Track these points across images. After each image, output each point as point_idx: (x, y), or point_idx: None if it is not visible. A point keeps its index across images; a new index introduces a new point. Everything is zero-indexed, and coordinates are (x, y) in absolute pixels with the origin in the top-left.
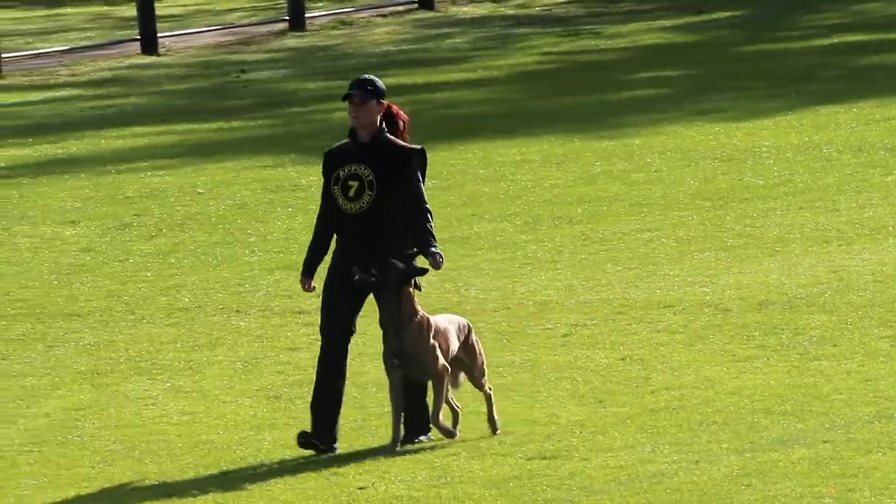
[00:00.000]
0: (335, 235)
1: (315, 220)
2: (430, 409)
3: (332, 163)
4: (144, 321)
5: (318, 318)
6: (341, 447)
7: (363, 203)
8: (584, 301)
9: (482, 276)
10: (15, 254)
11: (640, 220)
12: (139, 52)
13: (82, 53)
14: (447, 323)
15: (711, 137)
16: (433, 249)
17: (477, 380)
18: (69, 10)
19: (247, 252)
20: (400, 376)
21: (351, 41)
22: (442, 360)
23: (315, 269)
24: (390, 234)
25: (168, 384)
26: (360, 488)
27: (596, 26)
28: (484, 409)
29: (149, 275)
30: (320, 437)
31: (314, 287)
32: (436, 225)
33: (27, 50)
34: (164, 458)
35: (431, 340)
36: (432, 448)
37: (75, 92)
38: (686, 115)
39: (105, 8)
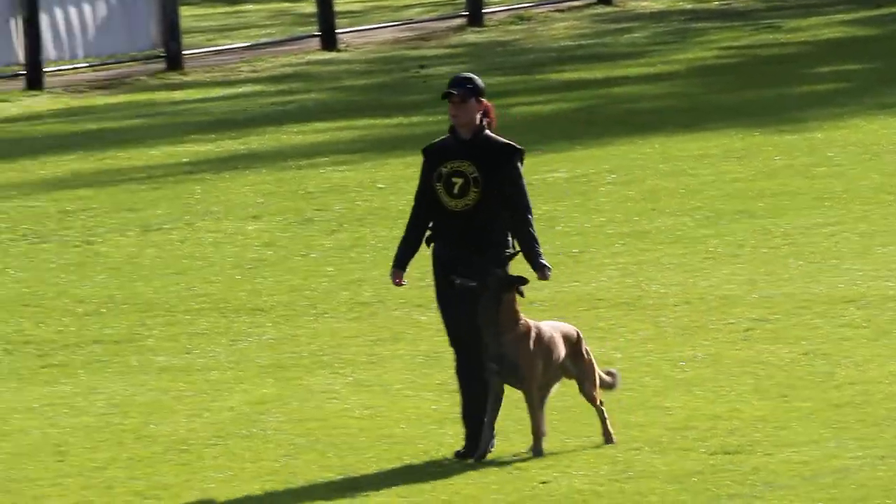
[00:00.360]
0: (435, 233)
1: (412, 207)
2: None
3: (432, 159)
4: (326, 315)
5: None
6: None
7: (468, 200)
8: (766, 296)
9: (663, 271)
10: (198, 249)
11: (822, 214)
12: (319, 48)
13: (263, 50)
14: (553, 330)
15: (893, 131)
16: (542, 261)
17: (588, 393)
18: (250, 6)
19: (426, 247)
20: (499, 382)
21: (530, 36)
22: (539, 372)
23: (407, 264)
24: (493, 231)
25: (350, 378)
26: (543, 482)
27: (775, 20)
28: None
29: (330, 269)
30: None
31: (405, 282)
32: (616, 220)
33: (209, 46)
34: (347, 452)
35: (531, 349)
36: (614, 444)
37: (256, 88)
38: (867, 108)
39: (285, 4)
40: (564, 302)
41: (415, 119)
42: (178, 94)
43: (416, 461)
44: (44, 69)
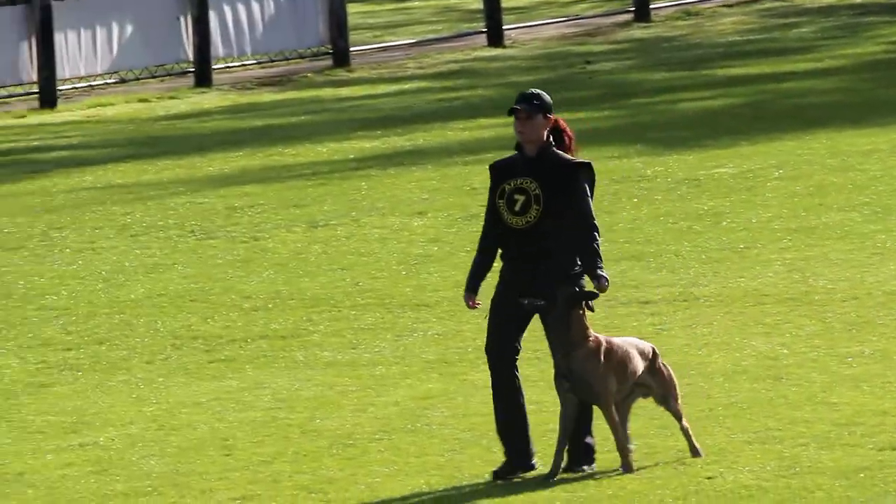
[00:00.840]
0: (503, 254)
1: (480, 236)
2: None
3: (498, 176)
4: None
5: (663, 308)
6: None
7: (530, 217)
8: None
9: (830, 267)
10: (364, 244)
11: None
12: (485, 44)
13: (429, 46)
14: (627, 346)
15: None
16: (600, 272)
17: (672, 407)
18: (417, 3)
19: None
20: (573, 400)
21: (697, 31)
22: (612, 387)
23: (479, 286)
24: (556, 249)
25: None
26: (708, 478)
27: None
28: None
29: (494, 265)
30: (516, 467)
31: (479, 304)
32: (783, 215)
33: (376, 43)
34: None
35: (602, 364)
36: (780, 439)
37: (422, 84)
38: None
39: (451, 1)
40: (730, 298)
41: (581, 115)
42: (344, 91)
43: None
44: (212, 66)
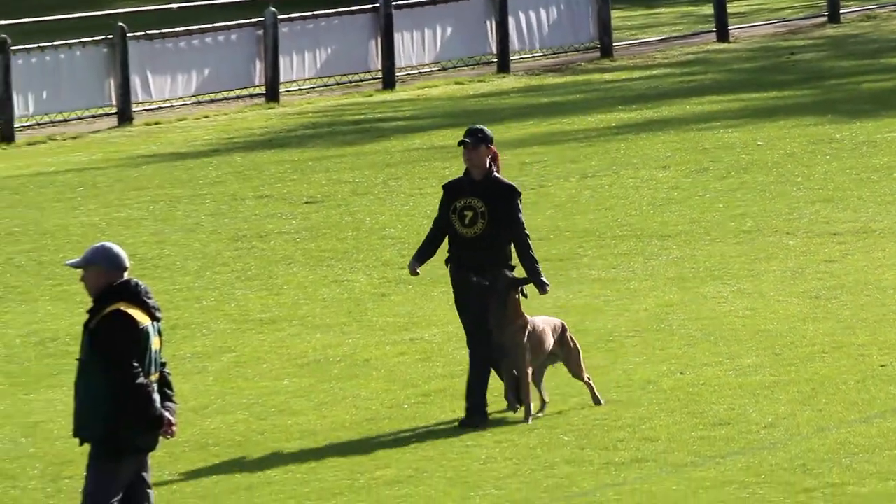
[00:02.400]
0: (450, 257)
1: (430, 227)
2: (514, 390)
3: (449, 194)
4: (717, 241)
5: (848, 238)
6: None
7: (476, 229)
8: None
9: None
10: (622, 190)
11: None
12: (714, 40)
13: (672, 42)
14: (544, 324)
15: None
16: (541, 279)
17: (574, 371)
18: (663, 9)
19: (794, 188)
20: (505, 364)
21: (875, 30)
22: (528, 360)
23: (424, 262)
24: (495, 252)
25: (735, 287)
26: (882, 366)
27: None
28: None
29: (721, 206)
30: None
31: (419, 273)
32: None
33: (631, 40)
34: (732, 343)
35: (525, 341)
36: None
37: (667, 70)
38: None
39: (690, 8)
40: None
41: (786, 93)
42: (608, 76)
43: (785, 350)
44: (510, 58)
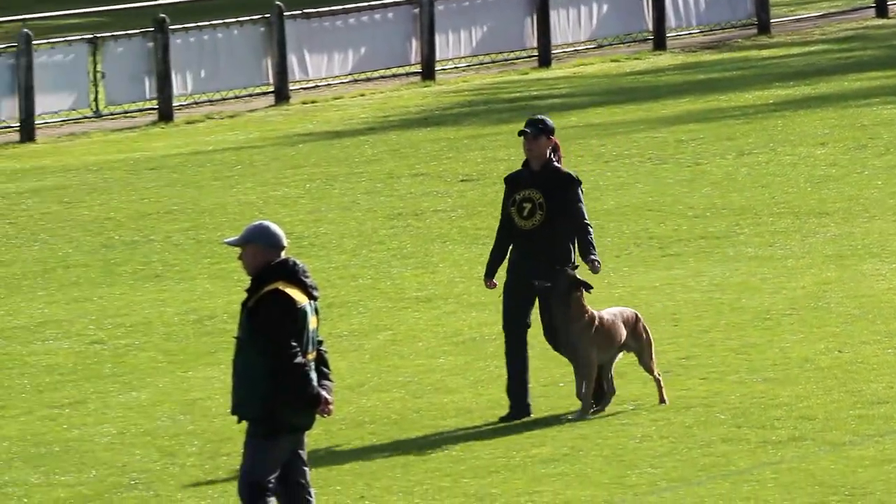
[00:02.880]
0: (513, 247)
1: (497, 231)
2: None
3: (510, 187)
4: (876, 218)
5: None
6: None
7: (535, 221)
8: None
9: None
10: (779, 168)
11: None
12: (874, 16)
13: (830, 17)
14: (613, 316)
15: None
16: (592, 257)
17: (645, 363)
18: None
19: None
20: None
21: None
22: (593, 356)
23: (495, 272)
24: (556, 245)
25: (894, 265)
26: None
27: None
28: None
29: (879, 183)
30: (515, 412)
31: (496, 284)
32: None
33: (789, 16)
34: (891, 320)
35: (590, 338)
36: None
37: (825, 47)
38: None
39: None
40: None
41: None
42: (765, 52)
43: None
44: (667, 34)
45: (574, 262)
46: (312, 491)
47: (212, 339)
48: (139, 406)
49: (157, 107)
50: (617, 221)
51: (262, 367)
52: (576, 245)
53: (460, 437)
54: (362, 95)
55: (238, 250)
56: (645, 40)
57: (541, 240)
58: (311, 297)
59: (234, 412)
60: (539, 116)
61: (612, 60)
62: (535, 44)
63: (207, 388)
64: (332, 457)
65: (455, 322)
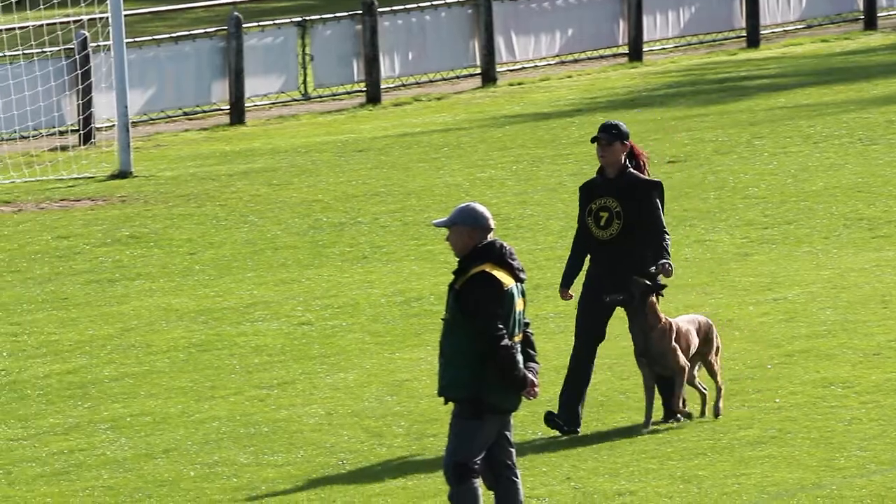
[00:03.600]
0: (590, 257)
1: (573, 239)
2: (673, 397)
3: (585, 196)
4: None
5: None
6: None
7: (612, 231)
8: None
9: None
10: None
11: None
12: None
13: None
14: (687, 324)
15: None
16: (663, 261)
17: (711, 371)
18: None
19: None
20: (648, 372)
21: None
22: (682, 359)
23: (572, 282)
24: (634, 255)
25: None
26: None
27: None
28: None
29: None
30: (565, 421)
31: (572, 296)
32: None
33: None
34: None
35: (673, 343)
36: None
37: None
38: None
39: None
40: None
41: None
42: None
43: None
44: (877, 14)
45: (651, 268)
46: (518, 472)
47: (418, 321)
48: (346, 387)
49: (364, 89)
50: (826, 203)
51: (469, 348)
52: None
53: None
54: (569, 77)
55: (445, 232)
56: (855, 20)
57: (619, 250)
58: (518, 280)
59: (440, 393)
60: (613, 122)
61: (822, 41)
62: (743, 24)
63: (414, 370)
64: (538, 439)
65: (664, 304)
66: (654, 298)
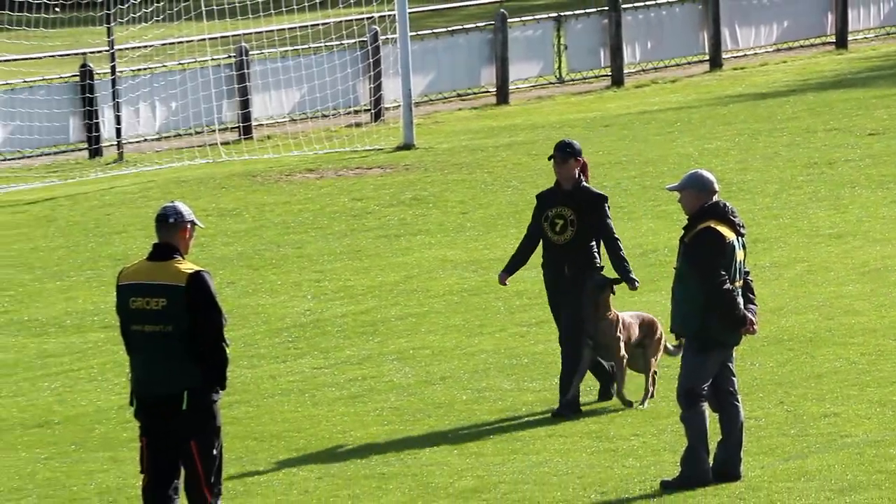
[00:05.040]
0: (544, 262)
1: (523, 238)
2: (615, 385)
3: (541, 204)
4: None
5: None
6: None
7: (567, 236)
8: None
9: None
10: None
11: None
12: None
13: None
14: (632, 318)
15: None
16: (632, 276)
17: (647, 360)
18: None
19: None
20: (591, 355)
21: None
22: (623, 350)
23: (512, 273)
24: (584, 256)
25: None
26: None
27: None
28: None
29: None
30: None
31: (507, 284)
32: None
33: None
34: None
35: (618, 334)
36: None
37: None
38: None
39: None
40: None
41: None
42: None
43: None
44: None
45: (601, 265)
46: (739, 397)
47: (654, 270)
48: None
49: (610, 74)
50: None
51: (697, 293)
52: (600, 253)
53: (864, 353)
54: (784, 62)
55: (677, 195)
56: None
57: (571, 251)
58: (739, 234)
59: (673, 330)
60: (567, 140)
61: None
62: None
63: (651, 311)
64: (755, 369)
65: (862, 255)
66: (606, 294)
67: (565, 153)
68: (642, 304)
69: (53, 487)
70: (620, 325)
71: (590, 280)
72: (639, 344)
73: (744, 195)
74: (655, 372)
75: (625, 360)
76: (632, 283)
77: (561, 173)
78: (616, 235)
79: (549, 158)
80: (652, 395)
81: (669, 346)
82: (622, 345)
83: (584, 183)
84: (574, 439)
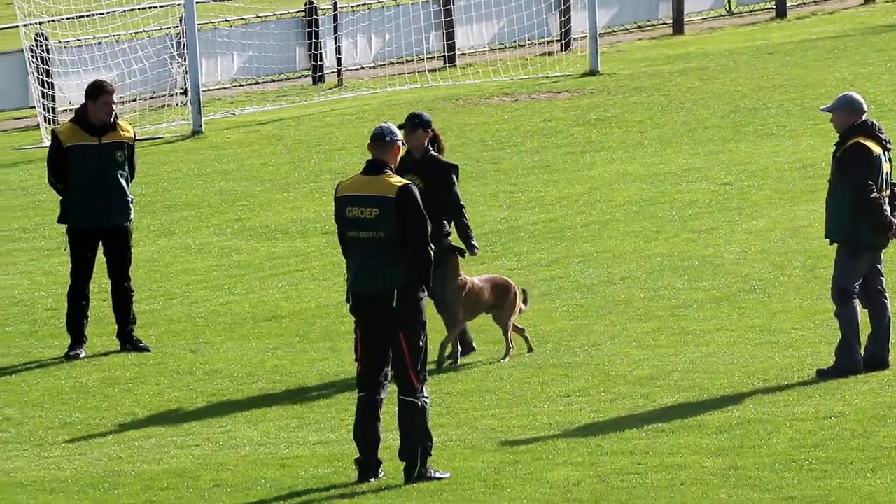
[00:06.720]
0: None
1: None
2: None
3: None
4: None
5: None
6: None
7: None
8: None
9: None
10: None
11: None
12: None
13: None
14: (483, 282)
15: None
16: (473, 243)
17: (502, 320)
18: None
19: None
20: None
21: None
22: (461, 316)
23: None
24: (434, 220)
25: None
26: None
27: None
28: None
29: None
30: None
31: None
32: None
33: None
34: None
35: (461, 298)
36: None
37: None
38: None
39: None
40: None
41: None
42: None
43: None
44: None
45: (448, 231)
46: (888, 295)
47: (812, 182)
48: (757, 231)
49: (774, 7)
50: None
51: (847, 202)
52: (450, 221)
53: None
54: None
55: (830, 115)
56: None
57: None
58: (885, 149)
59: (827, 236)
60: (417, 112)
61: None
62: None
63: (809, 219)
64: None
65: None
66: (455, 257)
67: (414, 124)
68: (803, 212)
69: (280, 374)
70: (468, 290)
71: (439, 246)
72: (493, 306)
73: (894, 115)
74: (521, 329)
75: (458, 329)
76: (472, 249)
77: (410, 142)
78: (461, 203)
79: (400, 128)
80: (510, 350)
81: (523, 306)
82: (462, 311)
83: (433, 152)
84: (739, 332)
